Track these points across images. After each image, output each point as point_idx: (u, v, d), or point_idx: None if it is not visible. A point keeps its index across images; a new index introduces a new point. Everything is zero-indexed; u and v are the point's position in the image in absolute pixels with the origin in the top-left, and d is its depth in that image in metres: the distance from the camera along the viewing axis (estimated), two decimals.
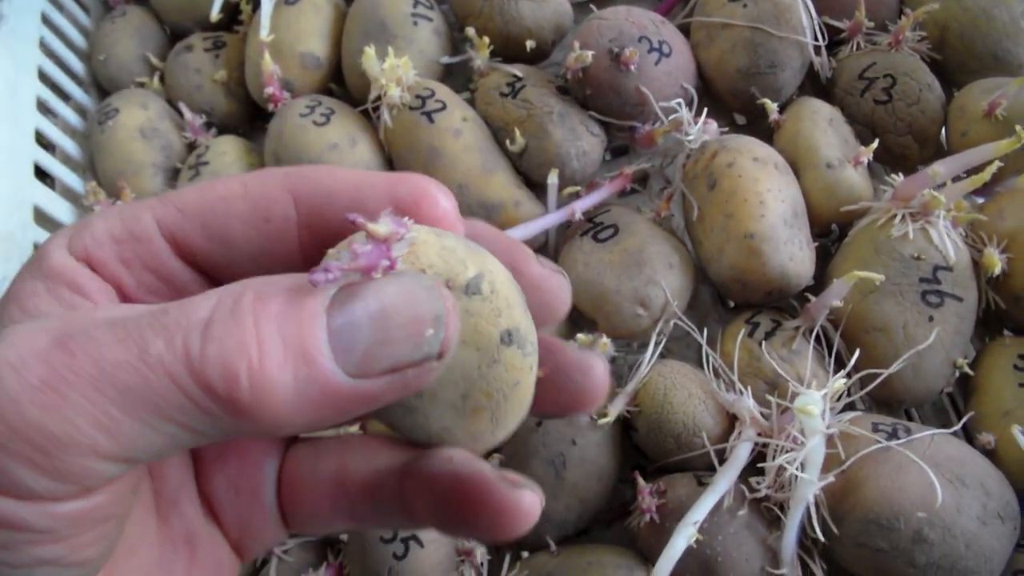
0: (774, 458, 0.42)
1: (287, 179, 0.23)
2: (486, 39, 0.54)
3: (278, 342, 0.17)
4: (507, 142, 0.52)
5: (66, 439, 0.17)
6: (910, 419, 0.51)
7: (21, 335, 0.18)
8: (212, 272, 0.24)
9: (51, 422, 0.17)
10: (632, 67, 0.50)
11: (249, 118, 0.62)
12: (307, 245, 0.23)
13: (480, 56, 0.55)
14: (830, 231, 0.51)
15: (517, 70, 0.54)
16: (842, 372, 0.43)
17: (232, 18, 0.62)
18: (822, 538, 0.41)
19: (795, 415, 0.40)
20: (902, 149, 0.53)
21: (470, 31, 0.55)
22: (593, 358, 0.24)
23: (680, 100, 0.50)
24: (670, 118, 0.50)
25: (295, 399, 0.18)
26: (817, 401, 0.38)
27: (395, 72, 0.52)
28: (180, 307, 0.18)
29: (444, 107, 0.52)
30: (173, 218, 0.23)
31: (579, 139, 0.51)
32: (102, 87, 0.64)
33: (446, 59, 0.57)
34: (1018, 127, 0.43)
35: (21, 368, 0.17)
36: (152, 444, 0.18)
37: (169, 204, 0.23)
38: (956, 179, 0.47)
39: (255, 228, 0.23)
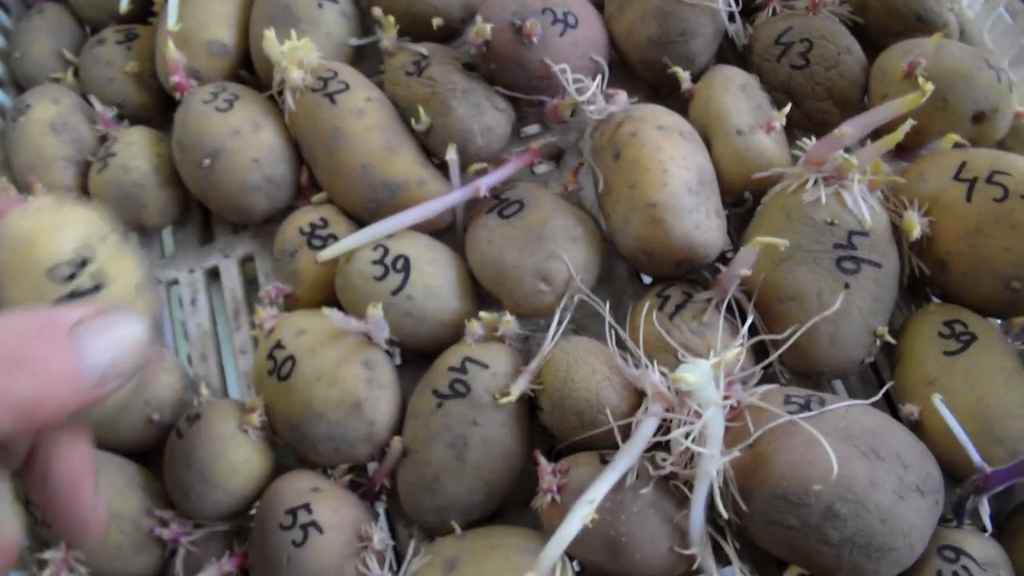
0: (679, 427, 0.41)
1: None
2: (391, 18, 0.53)
3: (59, 379, 0.26)
4: (412, 121, 0.51)
5: None
6: (849, 392, 0.49)
7: None
8: None
9: None
10: (535, 39, 0.49)
11: (163, 109, 0.60)
12: None
13: (387, 36, 0.53)
14: (744, 200, 0.49)
15: (424, 49, 0.53)
16: (736, 341, 0.41)
17: (146, 9, 0.61)
18: (726, 515, 0.39)
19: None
20: (822, 115, 0.52)
21: (376, 11, 0.54)
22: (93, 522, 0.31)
23: (565, 69, 0.49)
24: (574, 88, 0.48)
25: (69, 406, 0.26)
26: (701, 370, 0.36)
27: (296, 54, 0.50)
28: (9, 346, 0.25)
29: (347, 88, 0.51)
30: None
31: (483, 115, 0.50)
32: (20, 85, 0.63)
33: (355, 41, 0.56)
34: (921, 80, 0.41)
35: None
36: None
37: None
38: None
39: None
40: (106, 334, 0.27)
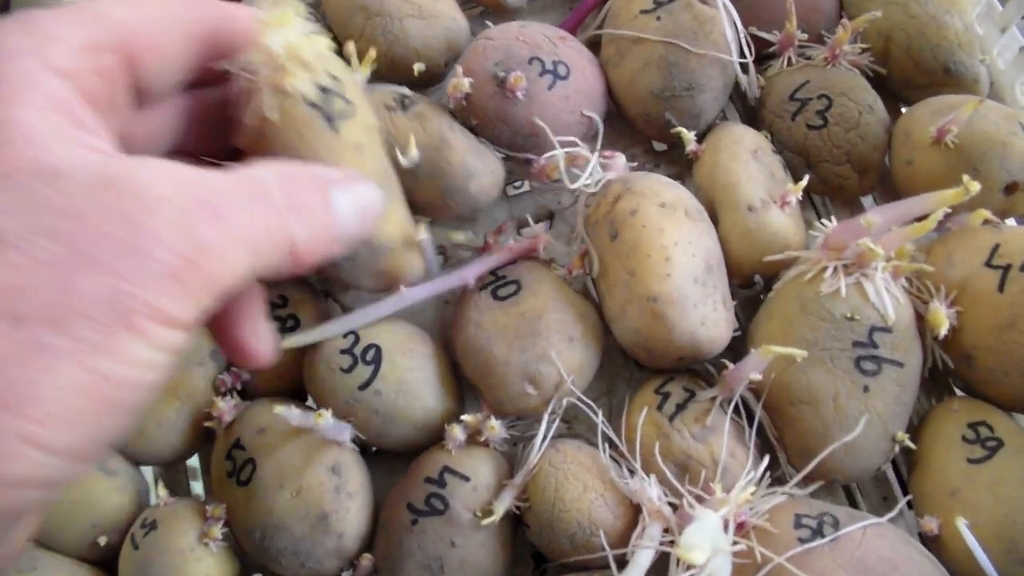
0: (678, 566, 0.37)
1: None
2: (372, 53, 0.46)
3: (321, 228, 0.28)
4: (399, 154, 0.43)
5: (219, 248, 0.23)
6: (860, 491, 0.45)
7: (164, 190, 0.22)
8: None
9: (217, 240, 0.23)
10: (519, 94, 0.44)
11: None
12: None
13: (362, 73, 0.47)
14: (753, 282, 0.45)
15: (406, 89, 0.47)
16: (749, 479, 0.37)
17: None
18: None
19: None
20: (840, 180, 0.47)
21: (349, 47, 0.47)
22: (264, 343, 0.32)
23: (547, 141, 0.43)
24: (564, 153, 0.43)
25: (321, 257, 0.28)
26: (709, 529, 0.32)
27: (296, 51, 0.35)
28: (269, 187, 0.26)
29: (351, 110, 0.37)
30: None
31: (483, 156, 0.45)
32: None
33: None
34: (966, 178, 0.36)
35: (190, 220, 0.23)
36: (248, 275, 0.25)
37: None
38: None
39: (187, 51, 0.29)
40: (355, 197, 0.29)
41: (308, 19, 0.40)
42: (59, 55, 0.23)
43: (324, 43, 0.35)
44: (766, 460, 0.39)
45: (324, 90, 0.36)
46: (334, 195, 0.28)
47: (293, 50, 0.34)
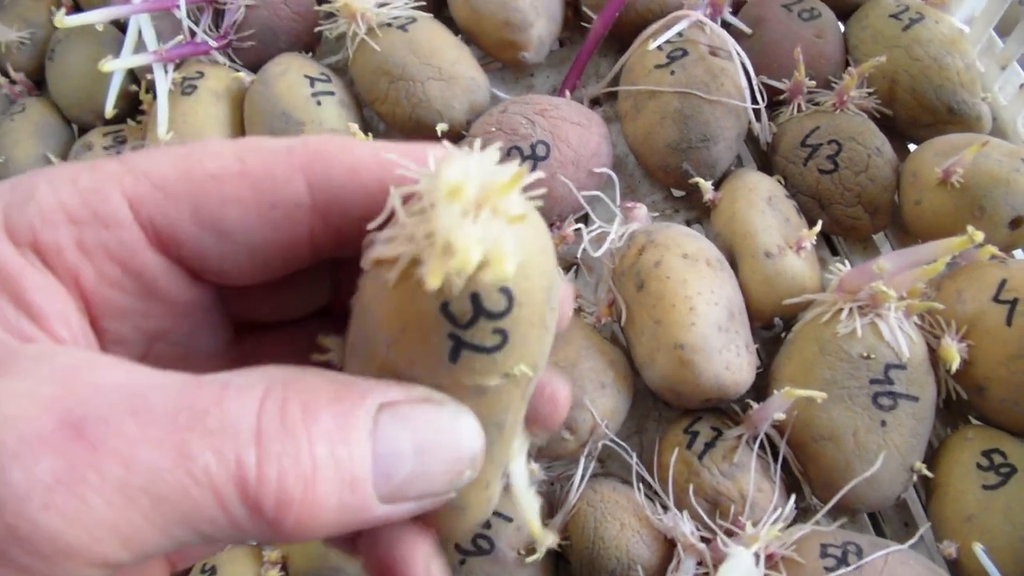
0: None
1: (294, 156, 0.20)
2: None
3: (331, 468, 0.17)
4: None
5: (77, 547, 0.15)
6: (872, 518, 0.47)
7: (14, 407, 0.15)
8: (195, 265, 0.20)
9: (66, 529, 0.15)
10: None
11: None
12: (318, 235, 0.21)
13: None
14: (773, 324, 0.47)
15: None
16: (776, 516, 0.39)
17: (134, 107, 0.58)
18: None
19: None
20: (852, 220, 0.49)
21: (352, 127, 0.50)
22: (557, 386, 0.24)
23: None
24: (569, 229, 0.46)
25: (334, 521, 0.17)
26: (742, 571, 0.34)
27: None
28: (220, 407, 0.16)
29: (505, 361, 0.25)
30: (151, 199, 0.19)
31: None
32: None
33: None
34: (971, 228, 0.39)
35: (28, 460, 0.14)
36: (158, 551, 0.16)
37: (142, 178, 0.19)
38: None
39: (258, 216, 0.20)
40: (422, 430, 0.18)
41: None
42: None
43: (537, 233, 0.20)
44: (792, 499, 0.42)
45: (477, 303, 0.18)
46: (384, 424, 0.18)
47: (466, 204, 0.18)
